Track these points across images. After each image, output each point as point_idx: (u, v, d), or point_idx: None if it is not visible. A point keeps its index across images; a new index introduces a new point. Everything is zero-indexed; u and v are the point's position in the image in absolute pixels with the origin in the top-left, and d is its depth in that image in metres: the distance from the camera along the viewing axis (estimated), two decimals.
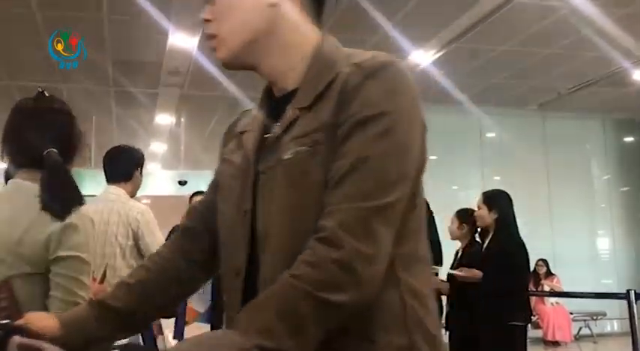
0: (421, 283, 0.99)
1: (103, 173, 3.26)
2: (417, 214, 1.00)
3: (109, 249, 3.07)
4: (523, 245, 3.93)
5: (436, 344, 0.98)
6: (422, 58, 7.07)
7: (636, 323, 3.72)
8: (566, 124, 9.86)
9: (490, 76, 7.89)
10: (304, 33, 1.05)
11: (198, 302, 3.99)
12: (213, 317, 3.95)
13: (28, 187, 1.54)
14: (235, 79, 7.61)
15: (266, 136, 1.04)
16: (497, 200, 4.04)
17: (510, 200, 4.06)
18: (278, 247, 0.96)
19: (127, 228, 3.12)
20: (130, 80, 7.48)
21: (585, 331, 8.91)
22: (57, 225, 1.49)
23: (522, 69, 7.66)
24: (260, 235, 0.99)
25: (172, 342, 4.11)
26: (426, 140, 1.04)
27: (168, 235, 3.59)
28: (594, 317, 8.79)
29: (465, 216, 4.36)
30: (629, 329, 3.78)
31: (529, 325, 4.08)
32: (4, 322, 1.10)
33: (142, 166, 3.34)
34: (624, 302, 3.82)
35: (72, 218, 1.52)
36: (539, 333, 8.42)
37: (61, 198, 1.54)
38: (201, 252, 1.18)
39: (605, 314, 8.76)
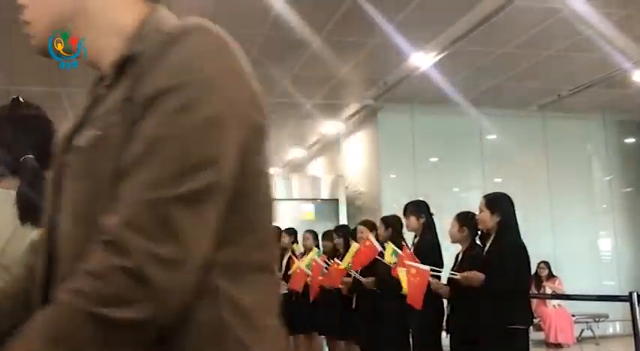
0: (252, 297, 0.80)
1: None
2: (248, 209, 0.81)
3: None
4: (524, 248, 3.91)
5: None
6: (422, 60, 7.07)
7: (639, 325, 3.71)
8: (566, 125, 9.86)
9: (490, 77, 7.89)
10: (123, 8, 0.91)
11: None
12: None
13: (11, 196, 1.50)
14: None
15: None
16: (500, 203, 4.03)
17: (512, 203, 4.05)
18: (69, 257, 0.80)
19: None
20: None
21: (587, 333, 8.88)
22: (36, 233, 1.47)
23: (523, 71, 7.65)
24: (56, 246, 0.84)
25: None
26: (260, 111, 0.83)
27: None
28: (596, 319, 8.76)
29: (465, 219, 4.35)
30: (631, 331, 3.76)
31: (531, 327, 4.07)
32: None
33: None
34: (627, 304, 3.81)
35: None
36: (541, 335, 8.40)
37: (39, 205, 1.52)
38: None
39: (607, 316, 8.73)
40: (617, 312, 8.46)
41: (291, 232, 7.41)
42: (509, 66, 7.47)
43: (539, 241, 8.74)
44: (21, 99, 1.66)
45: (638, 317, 3.72)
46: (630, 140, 10.41)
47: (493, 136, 9.56)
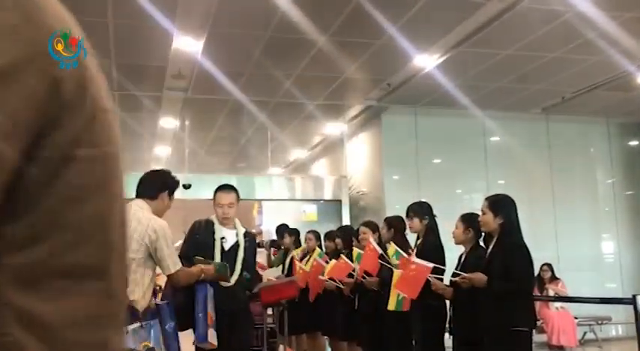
0: (59, 310, 0.60)
1: None
2: (51, 203, 0.59)
3: None
4: (527, 250, 3.90)
5: None
6: (426, 62, 7.08)
7: None
8: (570, 127, 9.85)
9: (494, 80, 7.88)
10: None
11: (213, 336, 3.98)
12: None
13: None
14: (239, 83, 7.62)
15: None
16: (502, 205, 4.01)
17: (515, 205, 4.04)
18: None
19: (144, 234, 3.37)
20: (135, 84, 7.50)
21: (590, 335, 8.87)
22: None
23: (526, 73, 7.65)
24: None
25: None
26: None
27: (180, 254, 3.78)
28: (599, 322, 8.75)
29: (470, 220, 4.34)
30: (634, 334, 3.76)
31: (533, 329, 4.06)
32: None
33: (170, 190, 3.77)
34: (630, 307, 3.80)
35: None
36: (543, 337, 8.39)
37: None
38: None
39: (610, 319, 8.71)
40: (620, 314, 8.45)
41: (294, 232, 7.42)
42: (514, 68, 7.47)
43: (542, 244, 8.74)
44: None
45: None
46: (634, 143, 10.39)
47: (497, 138, 9.56)
